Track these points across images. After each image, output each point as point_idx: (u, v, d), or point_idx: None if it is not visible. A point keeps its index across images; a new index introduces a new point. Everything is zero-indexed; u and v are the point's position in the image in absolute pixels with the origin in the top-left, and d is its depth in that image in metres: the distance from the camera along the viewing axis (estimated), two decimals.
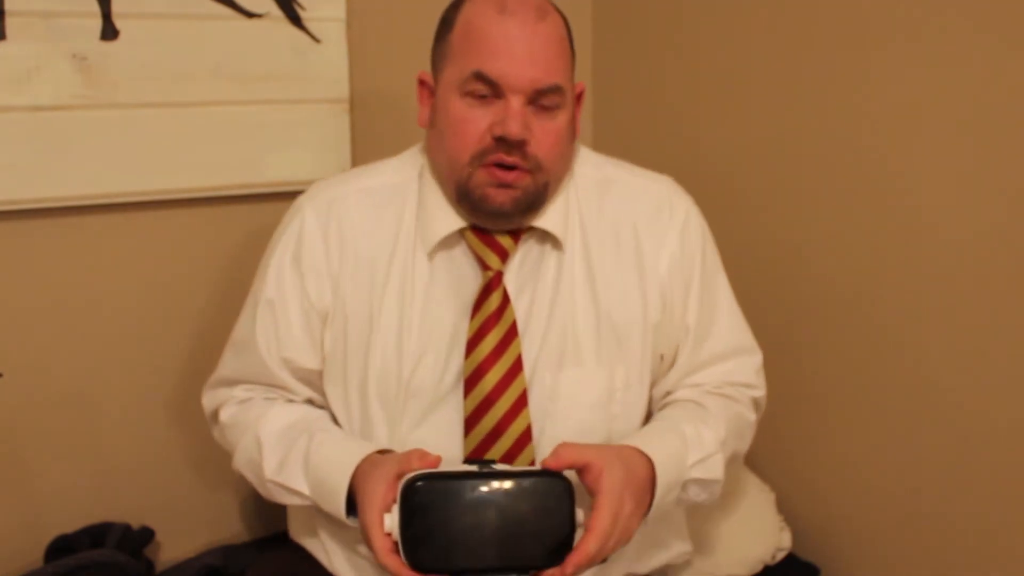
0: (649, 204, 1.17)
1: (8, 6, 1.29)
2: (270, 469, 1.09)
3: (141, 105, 1.39)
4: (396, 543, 0.93)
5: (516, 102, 1.02)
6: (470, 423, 1.07)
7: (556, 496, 0.93)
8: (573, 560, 0.93)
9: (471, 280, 1.11)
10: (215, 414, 1.21)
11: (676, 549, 1.22)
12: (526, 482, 0.94)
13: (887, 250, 1.31)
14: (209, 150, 1.45)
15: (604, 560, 0.97)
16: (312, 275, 1.13)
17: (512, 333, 1.08)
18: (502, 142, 1.03)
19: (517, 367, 1.07)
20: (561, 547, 0.93)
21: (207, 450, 1.54)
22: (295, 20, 1.48)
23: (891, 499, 1.36)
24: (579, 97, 1.13)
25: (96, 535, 1.42)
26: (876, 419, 1.36)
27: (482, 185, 1.05)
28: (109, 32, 1.36)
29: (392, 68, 1.58)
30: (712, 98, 1.57)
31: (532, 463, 1.07)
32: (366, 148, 1.59)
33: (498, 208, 1.06)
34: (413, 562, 0.92)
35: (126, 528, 1.45)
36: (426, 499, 0.92)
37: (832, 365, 1.42)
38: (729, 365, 1.19)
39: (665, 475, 1.03)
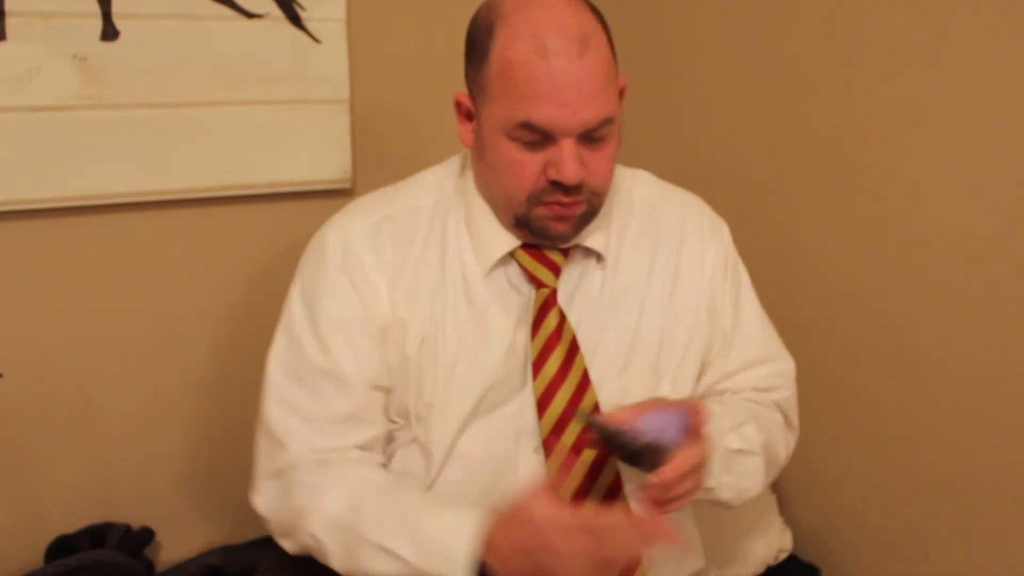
0: (693, 217, 1.18)
1: (8, 6, 1.29)
2: (368, 526, 0.97)
3: (141, 105, 1.39)
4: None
5: (568, 145, 0.98)
6: (548, 444, 1.05)
7: None
8: (666, 469, 0.93)
9: (521, 296, 1.10)
10: (286, 495, 1.04)
11: (694, 565, 1.20)
12: None
13: (889, 250, 1.31)
14: (209, 150, 1.45)
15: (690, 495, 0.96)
16: (367, 289, 1.07)
17: (574, 349, 1.07)
18: (558, 185, 1.00)
19: (585, 382, 1.06)
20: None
21: (207, 450, 1.55)
22: (295, 20, 1.48)
23: (891, 500, 1.36)
24: (622, 93, 1.07)
25: (96, 535, 1.42)
26: (877, 420, 1.36)
27: (542, 218, 1.03)
28: (109, 32, 1.36)
29: (392, 68, 1.58)
30: (714, 97, 1.57)
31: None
32: (366, 148, 1.59)
33: (560, 235, 1.05)
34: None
35: (126, 528, 1.45)
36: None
37: (833, 366, 1.41)
38: (759, 372, 1.18)
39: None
